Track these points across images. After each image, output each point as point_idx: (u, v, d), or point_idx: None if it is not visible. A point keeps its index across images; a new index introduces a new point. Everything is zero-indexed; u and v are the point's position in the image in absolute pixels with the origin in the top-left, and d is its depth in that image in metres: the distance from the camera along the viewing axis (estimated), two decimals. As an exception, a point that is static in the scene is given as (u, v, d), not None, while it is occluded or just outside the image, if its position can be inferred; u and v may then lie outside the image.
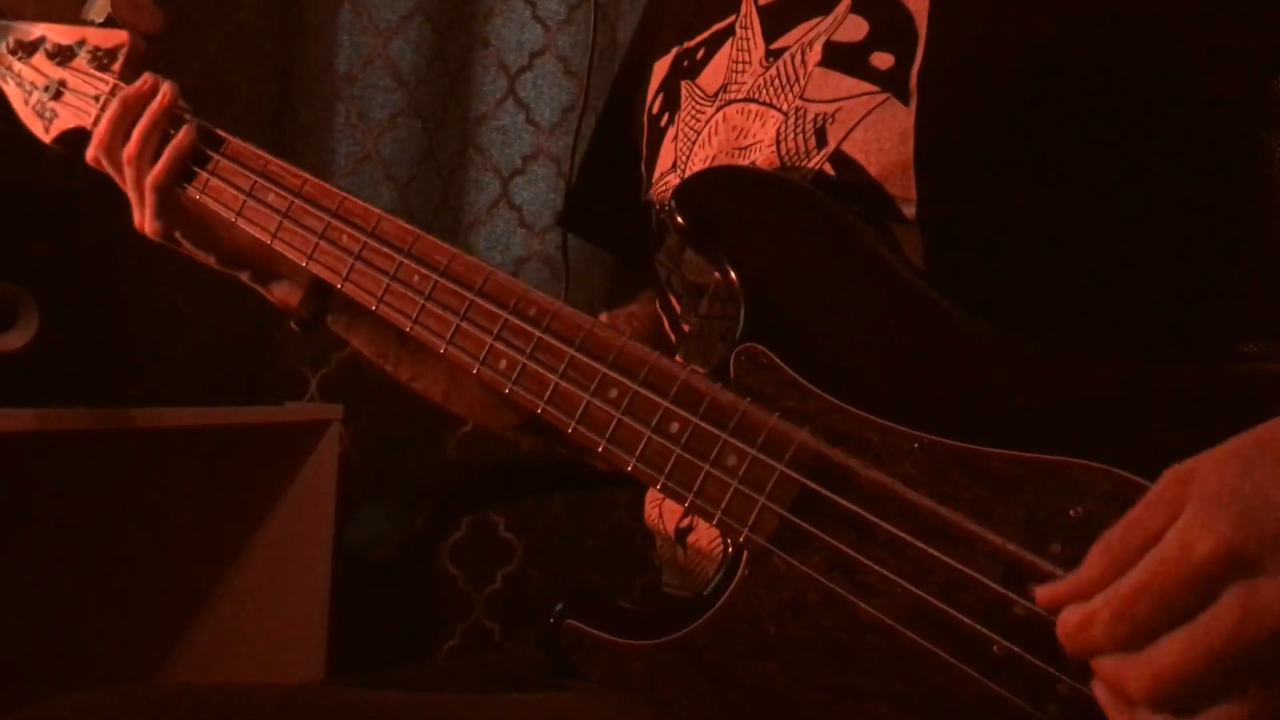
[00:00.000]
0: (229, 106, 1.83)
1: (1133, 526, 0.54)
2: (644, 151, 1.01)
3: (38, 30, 1.08)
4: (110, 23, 1.04)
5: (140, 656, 1.68)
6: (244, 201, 0.94)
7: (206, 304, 1.82)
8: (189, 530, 1.68)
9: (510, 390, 0.79)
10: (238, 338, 1.86)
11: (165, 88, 0.97)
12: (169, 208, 0.98)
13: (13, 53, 1.09)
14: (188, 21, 1.80)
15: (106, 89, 1.02)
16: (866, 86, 0.80)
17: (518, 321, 0.79)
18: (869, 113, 0.79)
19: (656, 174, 0.97)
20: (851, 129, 0.79)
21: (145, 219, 0.99)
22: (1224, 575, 0.50)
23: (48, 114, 1.06)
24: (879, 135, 0.78)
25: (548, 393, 0.78)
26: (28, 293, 1.42)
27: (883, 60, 0.80)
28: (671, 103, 0.98)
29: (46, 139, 1.07)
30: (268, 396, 1.78)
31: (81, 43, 1.05)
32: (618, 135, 1.08)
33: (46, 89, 1.06)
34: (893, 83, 0.79)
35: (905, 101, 0.78)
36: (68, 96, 1.05)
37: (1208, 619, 0.50)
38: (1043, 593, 0.57)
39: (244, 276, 1.05)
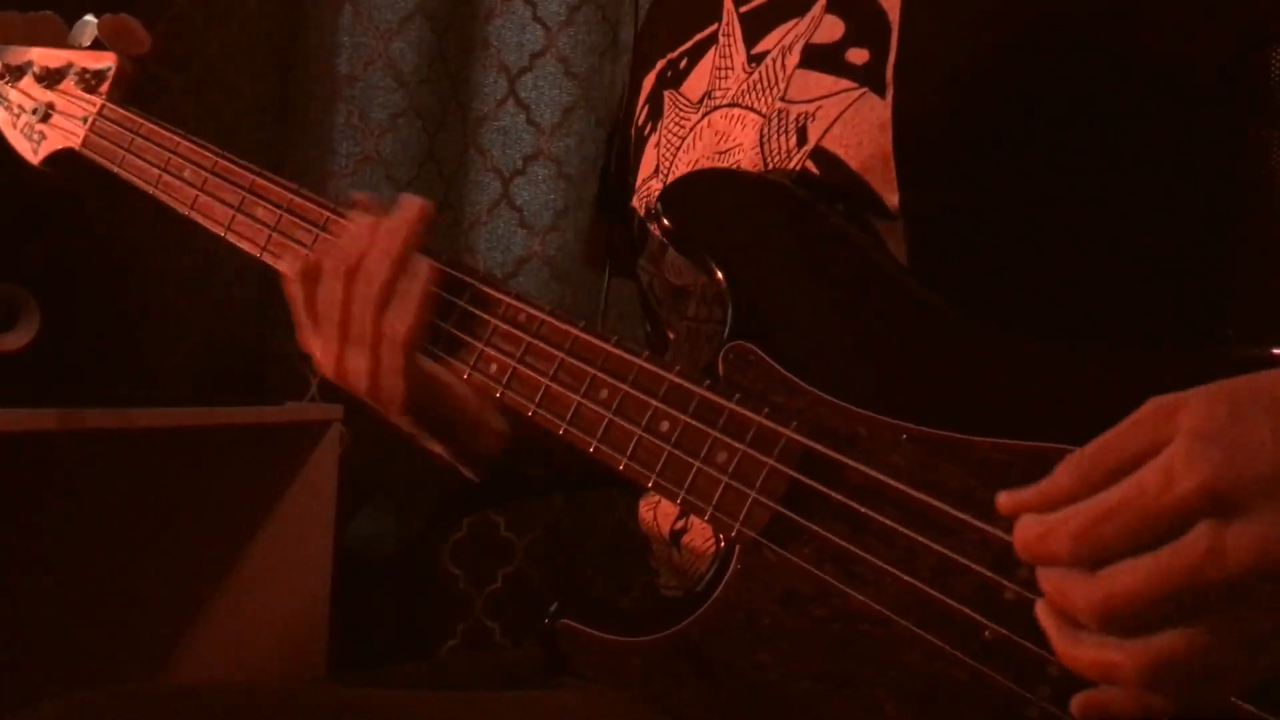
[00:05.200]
0: (229, 106, 1.84)
1: (1109, 447, 0.53)
2: (629, 162, 1.02)
3: (26, 54, 1.10)
4: (98, 45, 1.06)
5: (140, 656, 1.68)
6: None
7: (207, 304, 1.82)
8: (189, 530, 1.68)
9: (501, 394, 0.80)
10: (238, 338, 1.86)
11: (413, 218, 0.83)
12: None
13: (1, 76, 1.10)
14: (188, 21, 1.80)
15: (94, 110, 1.03)
16: (844, 83, 0.80)
17: (508, 328, 0.80)
18: (847, 108, 0.80)
19: (639, 180, 0.98)
20: (830, 125, 0.80)
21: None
22: (1199, 512, 0.49)
23: (36, 136, 1.08)
24: (858, 129, 0.79)
25: (539, 396, 0.78)
26: (28, 293, 1.42)
27: (858, 56, 0.81)
28: (655, 112, 0.99)
29: (35, 161, 1.08)
30: (268, 396, 1.78)
31: (69, 66, 1.07)
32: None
33: (35, 112, 1.07)
34: (869, 77, 0.79)
35: (882, 94, 0.79)
36: (56, 119, 1.06)
37: (1171, 551, 0.50)
38: (1005, 497, 0.57)
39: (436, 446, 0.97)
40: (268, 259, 0.91)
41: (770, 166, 0.83)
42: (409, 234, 0.82)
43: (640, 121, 1.01)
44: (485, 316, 0.81)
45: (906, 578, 0.65)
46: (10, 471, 1.63)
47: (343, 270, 0.81)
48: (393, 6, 1.93)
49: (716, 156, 0.88)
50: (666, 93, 0.98)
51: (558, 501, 2.01)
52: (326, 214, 0.88)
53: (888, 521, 0.66)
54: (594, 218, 1.21)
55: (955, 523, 0.64)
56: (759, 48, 0.89)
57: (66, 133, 1.05)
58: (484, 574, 1.96)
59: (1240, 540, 0.49)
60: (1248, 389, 0.52)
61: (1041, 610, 0.55)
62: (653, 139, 0.97)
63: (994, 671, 0.62)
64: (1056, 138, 0.77)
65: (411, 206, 0.83)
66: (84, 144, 1.03)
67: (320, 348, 0.84)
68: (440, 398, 0.88)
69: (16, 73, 1.09)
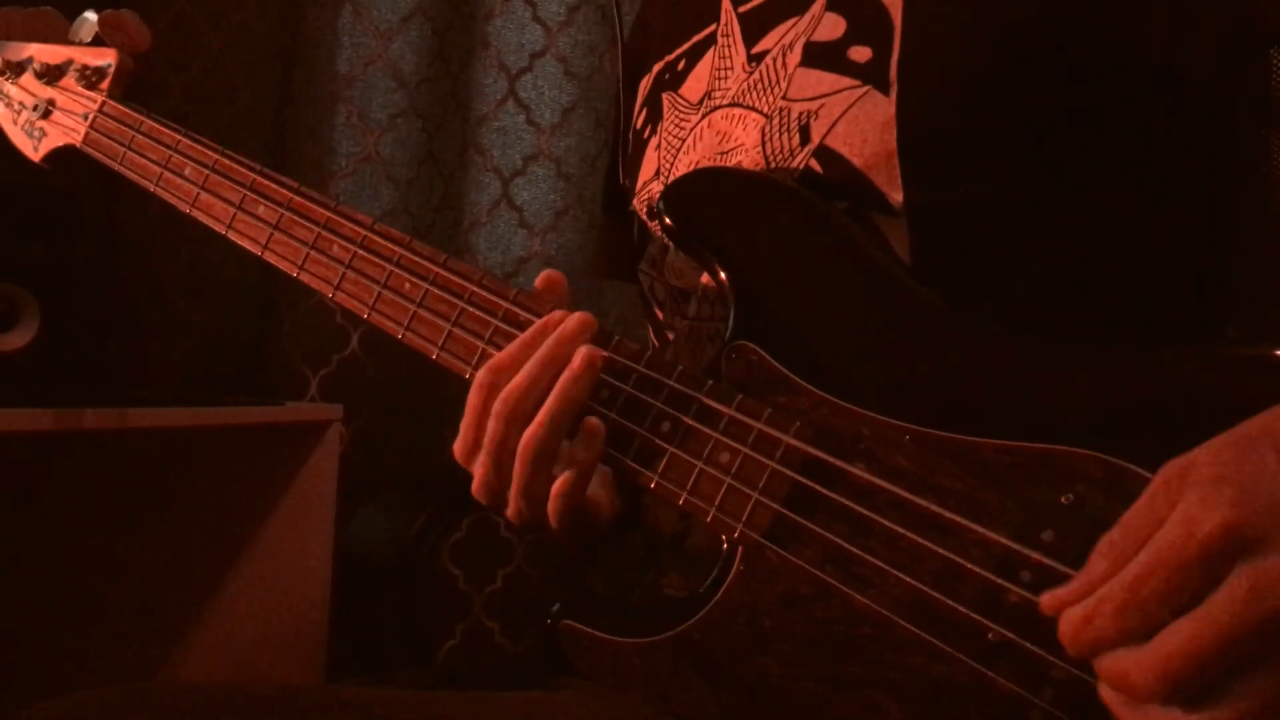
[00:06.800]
0: (229, 106, 1.84)
1: (1134, 522, 0.53)
2: (627, 165, 1.02)
3: (26, 50, 1.09)
4: (98, 42, 1.06)
5: (140, 656, 1.68)
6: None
7: (207, 304, 1.82)
8: (189, 530, 1.68)
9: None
10: (238, 338, 1.86)
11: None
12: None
13: (1, 73, 1.10)
14: (188, 21, 1.80)
15: (95, 107, 1.03)
16: (847, 81, 0.80)
17: (508, 328, 0.80)
18: (850, 106, 0.79)
19: (639, 183, 0.97)
20: (834, 123, 0.80)
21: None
22: (1230, 553, 0.49)
23: (36, 133, 1.07)
24: (862, 127, 0.79)
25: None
26: (28, 293, 1.42)
27: (861, 54, 0.80)
28: (654, 115, 0.98)
29: (36, 158, 1.08)
30: (268, 396, 1.79)
31: (70, 62, 1.06)
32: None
33: (35, 108, 1.07)
34: (873, 75, 0.79)
35: (886, 92, 0.78)
36: (56, 115, 1.06)
37: (1216, 599, 0.49)
38: (1048, 598, 0.56)
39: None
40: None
41: (772, 166, 0.82)
42: (578, 393, 0.74)
43: (638, 125, 1.01)
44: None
45: (909, 580, 0.65)
46: (9, 471, 1.63)
47: (504, 414, 0.75)
48: (393, 6, 1.93)
49: (718, 157, 0.88)
50: (665, 95, 0.98)
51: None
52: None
53: (890, 524, 0.66)
54: (602, 226, 1.19)
55: (957, 525, 0.64)
56: (759, 47, 0.89)
57: (67, 130, 1.04)
58: (484, 574, 1.96)
59: (1279, 571, 0.48)
60: (1251, 427, 0.52)
61: (1105, 693, 0.54)
62: (653, 142, 0.97)
63: (997, 674, 0.62)
64: (1059, 135, 0.77)
65: (579, 357, 0.74)
66: (85, 141, 1.02)
67: (476, 467, 0.77)
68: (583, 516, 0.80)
69: (17, 69, 1.09)
